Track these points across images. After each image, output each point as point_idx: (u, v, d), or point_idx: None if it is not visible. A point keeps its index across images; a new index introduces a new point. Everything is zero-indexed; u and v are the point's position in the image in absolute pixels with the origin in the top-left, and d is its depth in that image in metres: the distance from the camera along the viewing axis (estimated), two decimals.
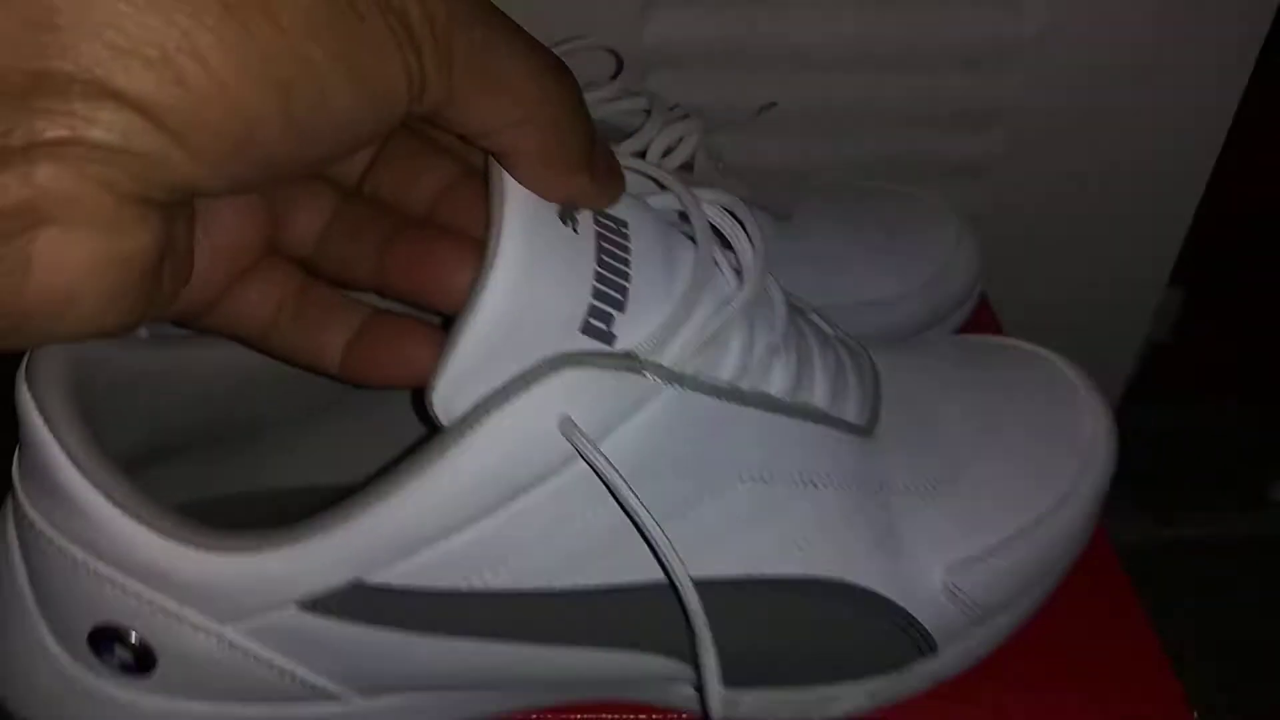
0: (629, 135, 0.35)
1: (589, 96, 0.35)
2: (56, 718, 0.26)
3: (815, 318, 0.31)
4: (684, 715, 0.31)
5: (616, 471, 0.23)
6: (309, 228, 0.25)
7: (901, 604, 0.29)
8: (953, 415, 0.32)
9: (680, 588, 0.24)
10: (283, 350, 0.25)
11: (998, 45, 0.53)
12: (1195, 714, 0.32)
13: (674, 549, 0.24)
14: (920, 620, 0.29)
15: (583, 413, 0.23)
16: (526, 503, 0.23)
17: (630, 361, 0.23)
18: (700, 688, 0.27)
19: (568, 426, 0.22)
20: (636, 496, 0.23)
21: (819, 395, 0.28)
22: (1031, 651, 0.33)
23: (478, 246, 0.23)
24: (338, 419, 0.30)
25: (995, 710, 0.33)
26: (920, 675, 0.31)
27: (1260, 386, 0.98)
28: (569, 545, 0.24)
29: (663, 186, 0.27)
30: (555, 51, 0.22)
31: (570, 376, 0.22)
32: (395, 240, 0.24)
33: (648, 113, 0.36)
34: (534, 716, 0.30)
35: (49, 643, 0.25)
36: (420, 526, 0.23)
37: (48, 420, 0.22)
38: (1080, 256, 0.61)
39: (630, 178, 0.26)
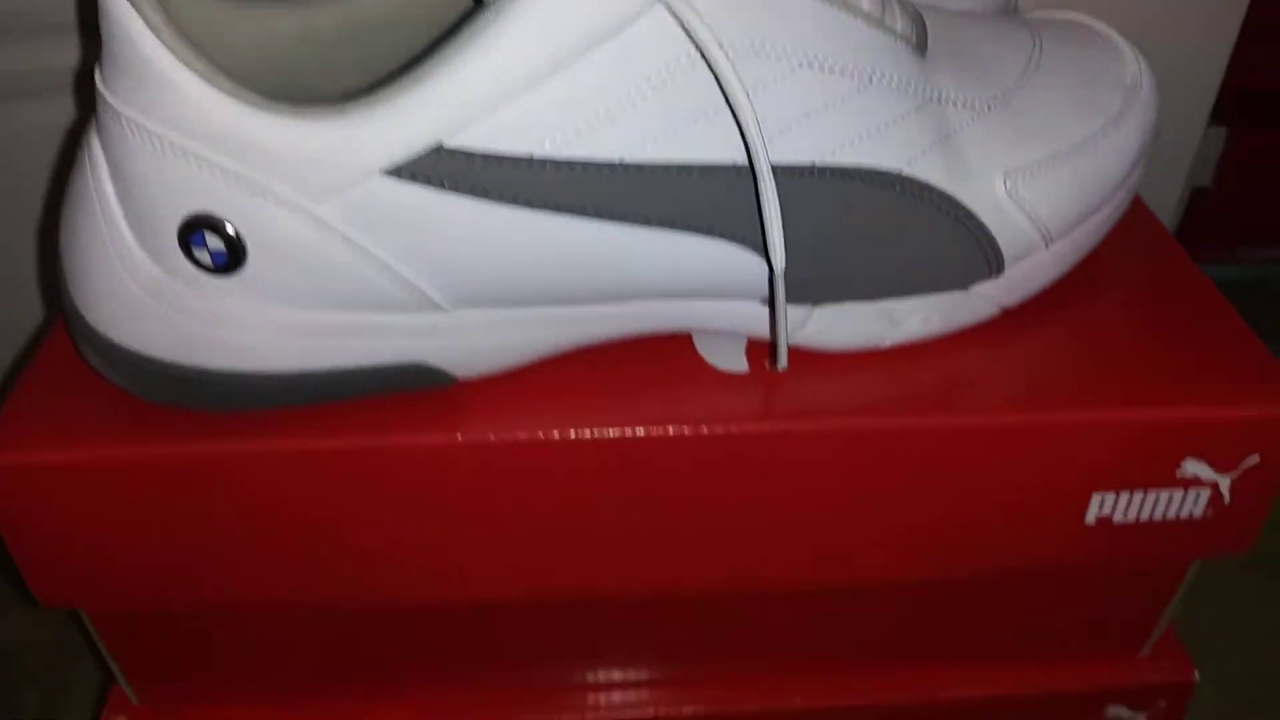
0: None
1: None
2: (137, 330, 0.26)
3: None
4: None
5: (697, 13, 0.23)
6: None
7: (963, 202, 0.29)
8: (999, 53, 0.32)
9: (756, 162, 0.25)
10: None
11: None
12: None
13: (755, 116, 0.24)
14: (984, 222, 0.30)
15: None
16: (599, 58, 0.23)
17: None
18: (770, 297, 0.28)
19: None
20: (721, 48, 0.23)
21: (866, 4, 0.28)
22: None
23: None
24: None
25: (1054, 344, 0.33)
26: (986, 297, 0.32)
27: None
28: (641, 115, 0.25)
29: None
30: None
31: None
32: None
33: None
34: None
35: (133, 248, 0.25)
36: (496, 81, 0.23)
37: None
38: None
39: None
